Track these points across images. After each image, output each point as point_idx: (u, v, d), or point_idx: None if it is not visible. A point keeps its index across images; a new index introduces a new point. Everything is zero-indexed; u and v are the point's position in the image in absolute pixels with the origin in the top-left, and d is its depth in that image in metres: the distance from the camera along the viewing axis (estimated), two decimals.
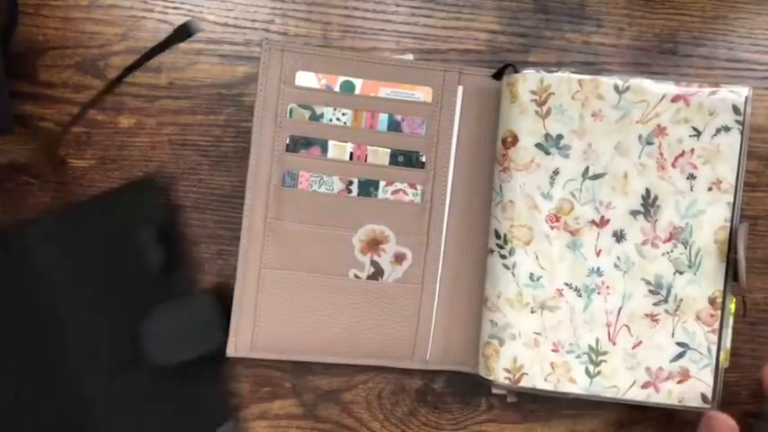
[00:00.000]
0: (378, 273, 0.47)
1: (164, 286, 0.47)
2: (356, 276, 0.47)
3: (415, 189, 0.48)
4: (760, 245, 0.50)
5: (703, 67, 0.50)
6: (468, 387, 0.50)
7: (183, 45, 0.49)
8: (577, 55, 0.50)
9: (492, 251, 0.46)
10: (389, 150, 0.48)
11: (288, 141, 0.47)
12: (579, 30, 0.50)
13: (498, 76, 0.47)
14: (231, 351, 0.47)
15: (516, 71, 0.46)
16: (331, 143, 0.47)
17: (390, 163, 0.48)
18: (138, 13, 0.49)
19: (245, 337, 0.47)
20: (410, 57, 0.49)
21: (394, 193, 0.48)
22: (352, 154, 0.47)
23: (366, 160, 0.47)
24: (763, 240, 0.50)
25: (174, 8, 0.49)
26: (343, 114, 0.47)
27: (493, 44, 0.50)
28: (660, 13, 0.50)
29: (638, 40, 0.50)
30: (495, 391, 0.47)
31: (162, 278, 0.47)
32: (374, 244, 0.47)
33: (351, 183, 0.47)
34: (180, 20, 0.49)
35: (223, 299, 0.47)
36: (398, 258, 0.48)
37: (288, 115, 0.47)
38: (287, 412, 0.50)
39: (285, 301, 0.47)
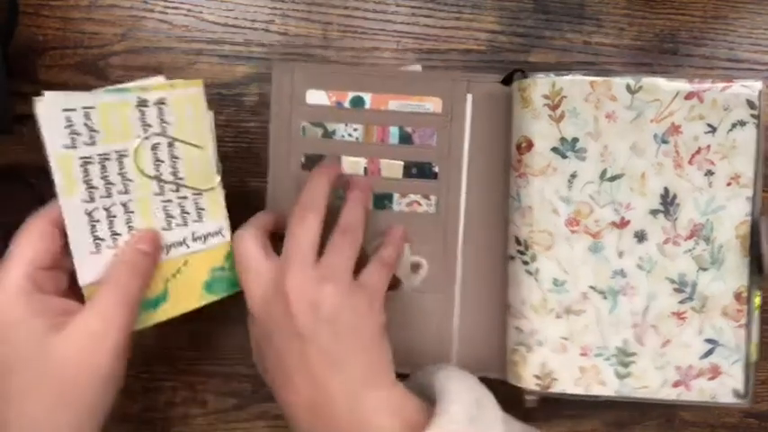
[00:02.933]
0: (394, 283, 0.47)
1: None
2: None
3: (429, 200, 0.48)
4: None
5: (704, 67, 0.50)
6: None
7: (182, 45, 0.49)
8: (578, 55, 0.50)
9: (513, 257, 0.46)
10: (402, 163, 0.48)
11: (303, 160, 0.47)
12: (579, 30, 0.50)
13: (507, 81, 0.47)
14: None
15: (525, 76, 0.45)
16: (345, 159, 0.48)
17: (404, 175, 0.48)
18: (138, 13, 0.49)
19: None
20: (418, 67, 0.49)
21: (408, 204, 0.48)
22: (366, 169, 0.48)
23: (380, 174, 0.48)
24: None
25: (174, 8, 0.49)
26: (355, 130, 0.47)
27: (493, 44, 0.50)
28: (661, 13, 0.50)
29: (639, 40, 0.50)
30: (528, 398, 0.47)
31: None
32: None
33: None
34: (180, 19, 0.49)
35: None
36: (414, 268, 0.48)
37: (301, 134, 0.47)
38: None
39: None
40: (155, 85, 0.41)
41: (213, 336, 0.50)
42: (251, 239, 0.42)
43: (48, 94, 0.38)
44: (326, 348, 0.38)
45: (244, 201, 0.49)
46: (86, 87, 0.49)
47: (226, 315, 0.49)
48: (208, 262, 0.44)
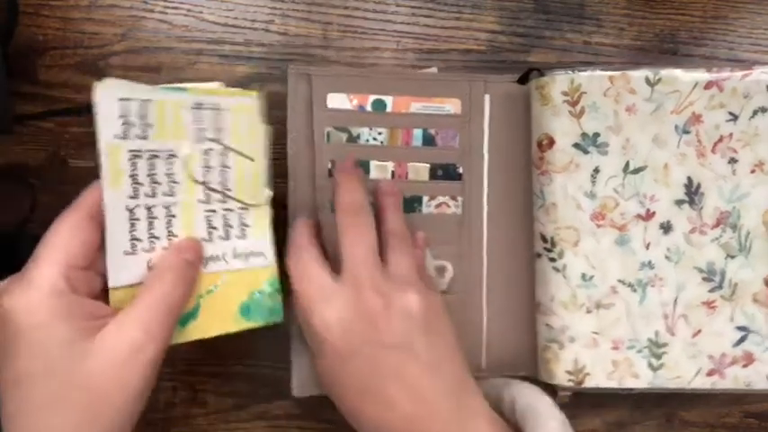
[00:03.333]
0: None
1: None
2: None
3: (456, 201, 0.48)
4: None
5: (704, 68, 0.50)
6: None
7: (182, 45, 0.49)
8: (578, 55, 0.50)
9: (540, 255, 0.46)
10: (428, 165, 0.47)
11: (330, 167, 0.46)
12: (579, 30, 0.50)
13: (523, 80, 0.47)
14: (298, 392, 0.46)
15: (542, 74, 0.45)
16: (372, 164, 0.47)
17: (431, 177, 0.47)
18: (138, 13, 0.49)
19: (308, 375, 0.46)
20: (434, 69, 0.49)
21: (437, 206, 0.48)
22: (393, 172, 0.47)
23: (407, 177, 0.47)
24: None
25: (174, 8, 0.49)
26: (379, 133, 0.47)
27: (493, 44, 0.50)
28: (661, 13, 0.50)
29: (639, 40, 0.50)
30: (560, 394, 0.46)
31: None
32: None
33: None
34: (180, 19, 0.49)
35: None
36: (440, 271, 0.48)
37: (326, 140, 0.46)
38: (287, 412, 0.50)
39: None
40: (212, 90, 0.40)
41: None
42: (312, 262, 0.39)
43: (107, 80, 0.37)
44: (423, 356, 0.37)
45: None
46: (86, 88, 0.49)
47: None
48: (247, 283, 0.41)
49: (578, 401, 0.49)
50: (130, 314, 0.34)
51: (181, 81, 0.49)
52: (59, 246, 0.33)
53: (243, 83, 0.49)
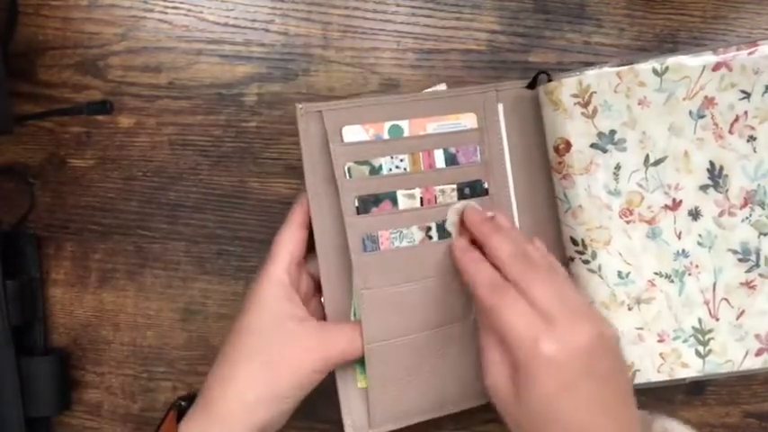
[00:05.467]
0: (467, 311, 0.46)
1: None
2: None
3: None
4: None
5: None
6: None
7: (182, 45, 0.49)
8: (578, 55, 0.50)
9: (573, 259, 0.46)
10: (455, 186, 0.46)
11: (357, 204, 0.44)
12: (579, 30, 0.50)
13: (532, 86, 0.47)
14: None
15: (549, 78, 0.45)
16: (399, 193, 0.45)
17: (459, 197, 0.46)
18: (138, 13, 0.49)
19: (361, 416, 0.45)
20: (443, 86, 0.49)
21: None
22: (422, 199, 0.45)
23: (436, 202, 0.45)
24: None
25: (174, 8, 0.49)
26: (401, 160, 0.45)
27: (493, 44, 0.50)
28: (660, 13, 0.50)
29: (639, 40, 0.50)
30: None
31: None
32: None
33: (429, 228, 0.45)
34: (180, 19, 0.49)
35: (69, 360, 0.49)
36: None
37: (347, 176, 0.43)
38: None
39: (393, 370, 0.44)
40: None
41: (212, 336, 0.50)
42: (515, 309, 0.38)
43: None
44: (619, 381, 0.38)
45: (243, 201, 0.50)
46: (86, 87, 0.49)
47: (225, 315, 0.49)
48: None
49: None
50: (327, 334, 0.43)
51: (181, 81, 0.49)
52: (285, 247, 0.43)
53: (243, 83, 0.49)
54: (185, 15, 0.49)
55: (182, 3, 0.49)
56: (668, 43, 0.50)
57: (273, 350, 0.41)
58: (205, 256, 0.50)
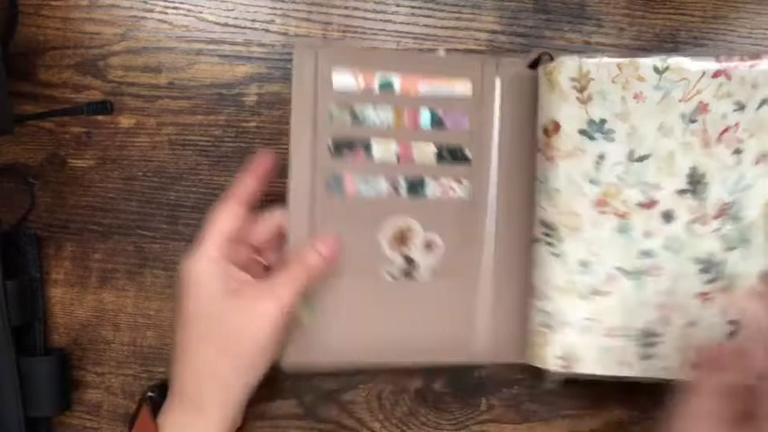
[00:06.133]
0: (411, 266, 0.47)
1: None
2: (391, 276, 0.46)
3: (462, 184, 0.47)
4: None
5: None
6: (469, 387, 0.50)
7: (182, 45, 0.49)
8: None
9: (538, 240, 0.46)
10: (435, 147, 0.46)
11: (331, 145, 0.45)
12: (579, 30, 0.50)
13: (534, 65, 0.47)
14: (291, 357, 0.45)
15: (552, 59, 0.45)
16: (375, 144, 0.46)
17: (436, 160, 0.46)
18: (138, 13, 0.49)
19: (303, 343, 0.46)
20: (441, 53, 0.48)
21: (442, 190, 0.47)
22: (398, 154, 0.46)
23: (412, 159, 0.46)
24: None
25: (174, 8, 0.49)
26: (386, 113, 0.46)
27: (493, 44, 0.50)
28: (660, 13, 0.50)
29: (639, 39, 0.50)
30: (550, 379, 0.46)
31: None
32: (401, 237, 0.46)
33: (398, 183, 0.46)
34: (180, 20, 0.49)
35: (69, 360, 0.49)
36: (429, 245, 0.47)
37: (328, 118, 0.45)
38: (287, 412, 0.50)
39: (333, 309, 0.46)
40: None
41: None
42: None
43: None
44: None
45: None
46: (86, 88, 0.49)
47: None
48: None
49: (578, 401, 0.49)
50: (270, 290, 0.42)
51: (181, 81, 0.49)
52: (216, 226, 0.43)
53: (243, 83, 0.49)
54: (185, 15, 0.49)
55: (182, 3, 0.49)
56: (668, 43, 0.50)
57: (224, 330, 0.42)
58: None
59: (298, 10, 0.49)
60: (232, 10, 0.49)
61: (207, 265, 0.42)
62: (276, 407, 0.50)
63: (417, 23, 0.49)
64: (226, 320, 0.42)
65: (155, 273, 0.50)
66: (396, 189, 0.46)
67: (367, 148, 0.46)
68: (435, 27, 0.49)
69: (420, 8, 0.49)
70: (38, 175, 0.49)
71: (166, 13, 0.49)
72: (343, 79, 0.45)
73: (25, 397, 0.47)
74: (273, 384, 0.49)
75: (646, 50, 0.49)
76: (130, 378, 0.50)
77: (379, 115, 0.46)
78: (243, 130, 0.49)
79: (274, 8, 0.49)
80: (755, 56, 0.43)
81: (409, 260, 0.47)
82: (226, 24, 0.49)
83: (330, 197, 0.45)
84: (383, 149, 0.46)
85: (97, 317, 0.50)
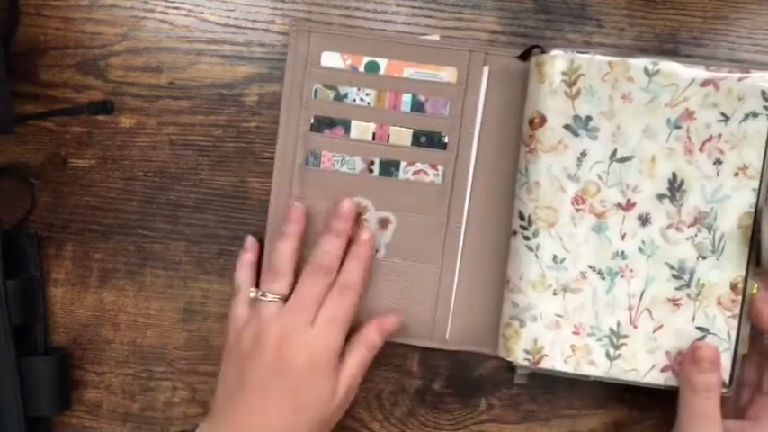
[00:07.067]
0: None
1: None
2: None
3: (436, 170, 0.48)
4: None
5: (703, 65, 0.50)
6: (468, 387, 0.50)
7: (183, 45, 0.49)
8: None
9: (515, 233, 0.46)
10: (412, 131, 0.48)
11: (312, 121, 0.48)
12: (580, 30, 0.50)
13: (524, 57, 0.47)
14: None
15: (543, 52, 0.45)
16: (354, 123, 0.47)
17: (413, 143, 0.48)
18: (138, 13, 0.49)
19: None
20: (436, 37, 0.49)
21: (415, 173, 0.48)
22: (374, 134, 0.48)
23: (388, 140, 0.48)
24: None
25: (175, 8, 0.49)
26: (367, 95, 0.47)
27: (494, 44, 0.50)
28: (661, 14, 0.50)
29: (639, 40, 0.50)
30: (518, 374, 0.47)
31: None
32: (356, 217, 0.47)
33: (372, 162, 0.48)
34: (180, 20, 0.49)
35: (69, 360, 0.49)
36: (383, 223, 0.48)
37: (313, 96, 0.47)
38: None
39: None
40: None
41: (213, 336, 0.50)
42: None
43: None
44: None
45: (244, 201, 0.50)
46: (87, 87, 0.49)
47: (225, 315, 0.49)
48: None
49: (578, 401, 0.49)
50: (352, 368, 0.45)
51: (181, 81, 0.49)
52: (347, 319, 0.45)
53: (243, 83, 0.49)
54: (186, 16, 0.49)
55: (182, 3, 0.49)
56: (668, 43, 0.50)
57: (304, 398, 0.43)
58: (205, 256, 0.50)
59: (298, 10, 0.49)
60: (233, 10, 0.49)
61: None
62: None
63: (418, 24, 0.49)
64: (303, 388, 0.43)
65: (155, 273, 0.50)
66: (369, 168, 0.48)
67: (346, 126, 0.48)
68: (436, 27, 0.49)
69: (420, 8, 0.49)
70: (38, 175, 0.50)
71: (167, 14, 0.49)
72: (332, 60, 0.47)
73: (25, 397, 0.47)
74: None
75: (646, 50, 0.49)
76: (130, 378, 0.50)
77: (361, 96, 0.47)
78: (243, 130, 0.49)
79: (275, 8, 0.49)
80: (745, 69, 0.44)
81: None
82: (227, 24, 0.49)
83: (308, 170, 0.47)
84: (362, 129, 0.48)
85: (97, 316, 0.50)
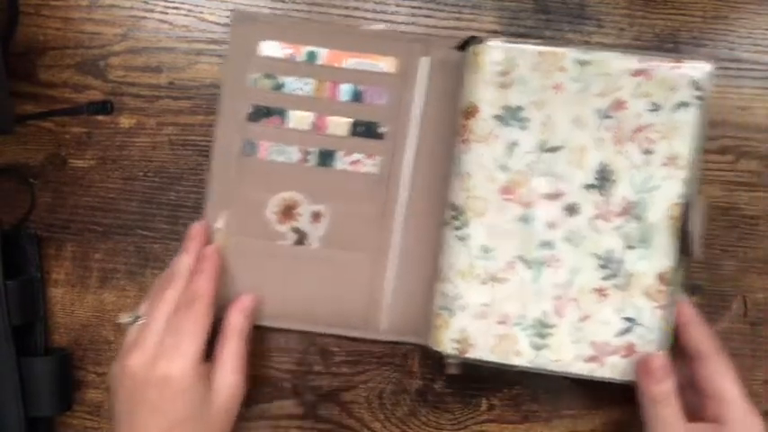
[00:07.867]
0: (301, 237, 0.48)
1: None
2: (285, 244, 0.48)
3: (373, 159, 0.48)
4: (761, 245, 0.50)
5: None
6: (469, 387, 0.50)
7: (183, 45, 0.49)
8: None
9: (447, 223, 0.46)
10: (350, 121, 0.48)
11: (250, 110, 0.48)
12: (580, 30, 0.50)
13: (463, 48, 0.47)
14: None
15: (480, 41, 0.45)
16: (291, 113, 0.48)
17: (351, 133, 0.48)
18: (138, 13, 0.49)
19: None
20: (381, 26, 0.49)
21: (352, 163, 0.48)
22: (313, 123, 0.48)
23: (326, 130, 0.48)
24: (764, 240, 0.50)
25: (175, 8, 0.49)
26: (306, 84, 0.48)
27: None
28: (661, 13, 0.50)
29: (639, 40, 0.50)
30: (448, 362, 0.46)
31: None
32: (288, 211, 0.48)
33: (309, 153, 0.48)
34: (180, 20, 0.49)
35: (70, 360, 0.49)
36: (316, 217, 0.48)
37: (252, 85, 0.48)
38: (287, 412, 0.50)
39: (243, 267, 0.48)
40: None
41: (212, 336, 0.50)
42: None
43: None
44: None
45: None
46: (87, 87, 0.49)
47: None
48: None
49: (578, 401, 0.49)
50: (223, 367, 0.44)
51: (181, 81, 0.49)
52: (199, 329, 0.44)
53: None
54: (185, 16, 0.49)
55: (182, 3, 0.49)
56: (669, 43, 0.50)
57: (205, 414, 0.43)
58: None
59: (298, 10, 0.49)
60: (232, 10, 0.49)
61: (192, 370, 0.43)
62: (276, 407, 0.50)
63: (417, 24, 0.49)
64: (212, 414, 0.44)
65: (155, 273, 0.50)
66: (305, 158, 0.48)
67: (283, 116, 0.48)
68: (435, 27, 0.50)
69: (420, 8, 0.49)
70: (38, 175, 0.49)
71: (167, 14, 0.49)
72: (271, 49, 0.48)
73: (25, 397, 0.47)
74: (273, 384, 0.49)
75: (646, 51, 0.49)
76: None
77: (300, 85, 0.48)
78: None
79: (275, 8, 0.49)
80: (677, 59, 0.43)
81: (299, 231, 0.48)
82: (226, 24, 0.49)
83: (245, 160, 0.48)
84: (299, 119, 0.48)
85: (97, 317, 0.50)
